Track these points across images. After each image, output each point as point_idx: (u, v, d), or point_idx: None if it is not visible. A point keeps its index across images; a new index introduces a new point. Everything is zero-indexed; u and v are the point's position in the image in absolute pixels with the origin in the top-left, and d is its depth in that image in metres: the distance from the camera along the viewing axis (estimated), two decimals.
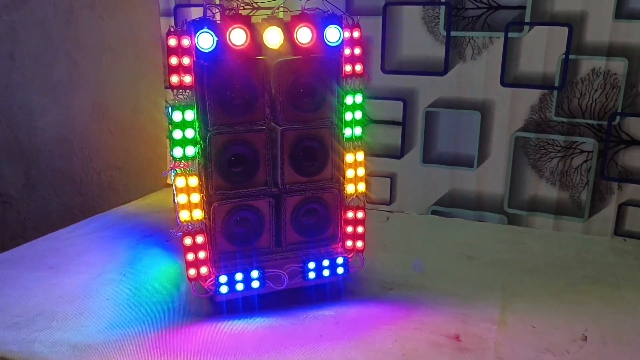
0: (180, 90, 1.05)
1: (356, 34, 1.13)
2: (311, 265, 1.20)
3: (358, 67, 1.15)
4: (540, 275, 1.38)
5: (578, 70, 1.58)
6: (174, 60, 1.03)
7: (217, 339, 1.08)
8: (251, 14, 1.08)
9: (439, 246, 1.56)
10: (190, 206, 1.10)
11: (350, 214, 1.21)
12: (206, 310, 1.19)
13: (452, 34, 1.68)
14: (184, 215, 1.10)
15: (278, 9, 1.08)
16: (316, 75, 1.12)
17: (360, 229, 1.22)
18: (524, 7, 1.60)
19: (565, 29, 1.57)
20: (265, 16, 1.07)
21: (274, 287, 1.18)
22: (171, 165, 1.09)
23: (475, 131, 1.72)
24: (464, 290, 1.30)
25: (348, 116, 1.16)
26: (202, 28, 1.02)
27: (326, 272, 1.22)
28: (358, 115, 1.17)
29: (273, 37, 1.07)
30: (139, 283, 1.31)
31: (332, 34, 1.10)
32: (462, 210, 1.79)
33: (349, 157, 1.18)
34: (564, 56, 1.59)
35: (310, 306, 1.21)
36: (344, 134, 1.17)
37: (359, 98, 1.16)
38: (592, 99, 1.59)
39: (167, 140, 2.04)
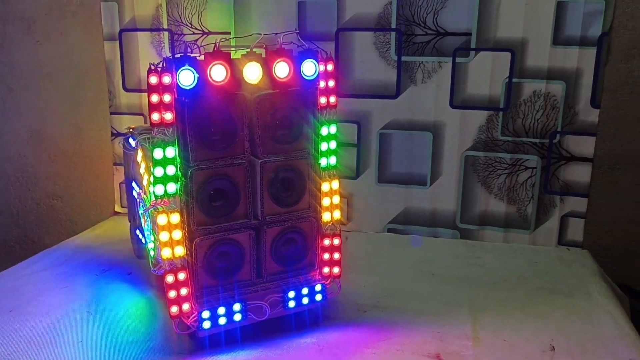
0: (161, 128, 1.03)
1: (330, 67, 1.16)
2: (291, 294, 1.22)
3: (332, 99, 1.18)
4: (500, 289, 1.45)
5: (521, 92, 1.69)
6: (154, 98, 1.02)
7: None
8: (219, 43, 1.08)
9: (401, 264, 1.61)
10: (172, 243, 1.08)
11: (327, 241, 1.23)
12: (188, 347, 1.17)
13: (403, 58, 1.75)
14: (166, 253, 1.08)
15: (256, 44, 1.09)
16: (293, 108, 1.14)
17: (336, 255, 1.25)
18: (469, 34, 1.69)
19: (508, 54, 1.68)
20: (245, 52, 1.08)
21: (255, 318, 1.18)
22: (152, 203, 1.07)
23: (427, 151, 1.80)
24: (434, 308, 1.35)
25: (323, 146, 1.19)
26: (183, 65, 1.01)
27: (305, 300, 1.24)
28: (333, 145, 1.20)
29: (252, 73, 1.08)
30: (110, 322, 1.28)
31: (309, 68, 1.13)
32: (416, 227, 1.85)
33: (324, 186, 1.21)
34: (507, 79, 1.69)
35: (291, 335, 1.22)
36: (319, 163, 1.19)
37: (333, 129, 1.19)
38: (535, 119, 1.70)
39: (115, 168, 1.99)
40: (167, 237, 1.08)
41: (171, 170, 1.06)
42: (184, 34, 1.88)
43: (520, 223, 1.77)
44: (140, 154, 1.34)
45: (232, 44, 1.29)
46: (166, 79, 1.01)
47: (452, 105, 1.75)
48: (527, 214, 1.76)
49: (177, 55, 1.01)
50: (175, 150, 1.05)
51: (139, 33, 1.92)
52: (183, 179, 1.07)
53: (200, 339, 1.15)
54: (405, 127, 1.80)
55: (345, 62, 1.78)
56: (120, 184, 2.04)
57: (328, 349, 1.17)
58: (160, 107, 1.02)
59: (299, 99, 1.14)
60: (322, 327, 1.25)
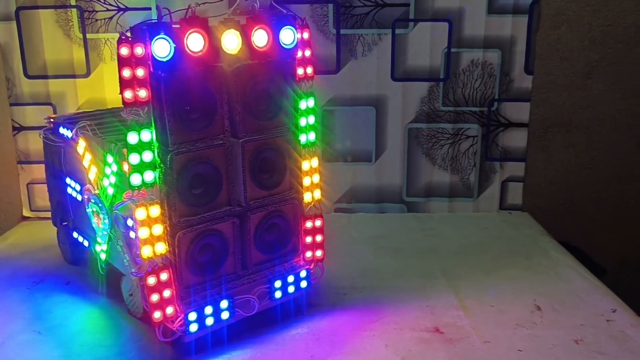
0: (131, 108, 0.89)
1: (306, 35, 1.07)
2: (277, 283, 1.13)
3: (309, 70, 1.09)
4: (466, 257, 1.46)
5: (460, 62, 1.71)
6: (126, 73, 0.87)
7: None
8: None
9: (361, 243, 1.57)
10: (152, 240, 0.95)
11: (309, 224, 1.16)
12: (171, 354, 1.04)
13: (342, 32, 1.69)
14: (146, 252, 0.94)
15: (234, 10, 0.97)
16: (273, 80, 1.04)
17: (319, 238, 1.18)
18: (408, 5, 1.67)
19: (446, 25, 1.68)
20: (223, 18, 0.96)
21: (243, 314, 1.08)
22: (127, 195, 0.93)
23: (371, 126, 1.76)
24: (411, 282, 1.33)
25: (302, 122, 1.10)
26: (158, 33, 0.88)
27: (291, 289, 1.15)
28: (311, 120, 1.11)
29: (231, 42, 0.97)
30: (66, 339, 1.11)
31: (287, 36, 1.03)
32: (363, 205, 1.82)
33: (304, 165, 1.12)
34: (446, 50, 1.69)
35: (280, 327, 1.14)
36: (299, 140, 1.11)
37: (311, 102, 1.11)
38: (473, 88, 1.72)
39: (20, 168, 1.75)
40: (147, 234, 0.94)
41: (148, 156, 0.92)
42: (97, 11, 1.67)
43: (464, 191, 1.80)
44: (82, 144, 1.17)
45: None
46: (139, 50, 0.87)
47: (394, 78, 1.72)
48: (470, 182, 1.79)
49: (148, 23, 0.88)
50: (152, 132, 0.92)
51: (40, 11, 1.68)
52: (162, 165, 0.93)
53: (185, 345, 1.03)
54: (348, 102, 1.75)
55: None
56: (28, 184, 1.80)
57: (324, 336, 1.10)
58: (133, 83, 0.88)
59: (277, 70, 1.04)
60: (308, 315, 1.18)
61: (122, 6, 1.67)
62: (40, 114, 1.75)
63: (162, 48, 0.89)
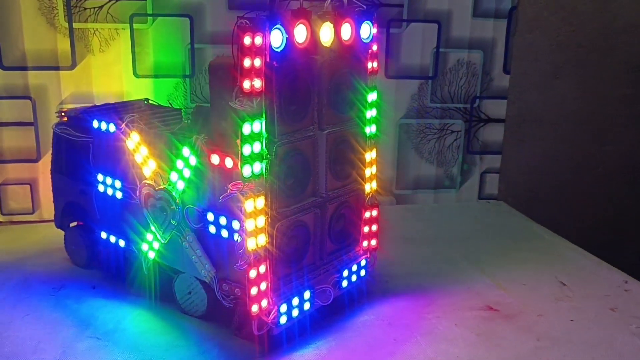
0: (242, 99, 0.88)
1: (374, 30, 1.11)
2: (345, 273, 1.15)
3: (375, 64, 1.13)
4: (474, 243, 1.57)
5: (447, 61, 1.82)
6: (247, 62, 0.86)
7: None
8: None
9: None
10: (256, 232, 0.94)
11: (367, 214, 1.19)
12: (255, 348, 1.03)
13: None
14: (251, 244, 0.93)
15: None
16: (352, 73, 1.07)
17: (374, 227, 1.22)
18: (402, 6, 1.75)
19: (436, 25, 1.78)
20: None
21: (321, 303, 1.10)
22: (234, 187, 0.91)
23: None
24: (440, 268, 1.40)
25: (368, 114, 1.14)
26: (276, 23, 0.88)
27: (354, 277, 1.18)
28: (374, 112, 1.15)
29: (326, 34, 0.98)
30: (131, 343, 1.05)
31: (365, 30, 1.06)
32: None
33: (367, 156, 1.16)
34: (435, 49, 1.80)
35: (347, 315, 1.16)
36: (365, 132, 1.14)
37: (374, 95, 1.15)
38: (458, 86, 1.84)
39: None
40: (253, 225, 0.93)
41: (257, 147, 0.91)
42: None
43: (448, 183, 1.92)
44: (135, 137, 1.11)
45: None
46: (258, 40, 0.86)
47: (387, 75, 1.79)
48: (454, 174, 1.91)
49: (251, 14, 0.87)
50: (262, 123, 0.91)
51: None
52: (268, 156, 0.93)
53: (276, 337, 1.03)
54: None
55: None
56: (0, 185, 1.65)
57: (395, 321, 1.14)
58: (251, 72, 0.87)
59: (355, 64, 1.07)
60: (367, 302, 1.21)
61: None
62: (17, 108, 1.62)
63: (276, 38, 0.89)
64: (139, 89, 1.65)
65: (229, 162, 0.95)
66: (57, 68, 1.60)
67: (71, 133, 1.26)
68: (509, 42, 1.83)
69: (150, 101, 1.45)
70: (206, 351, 1.03)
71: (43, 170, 1.64)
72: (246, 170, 0.90)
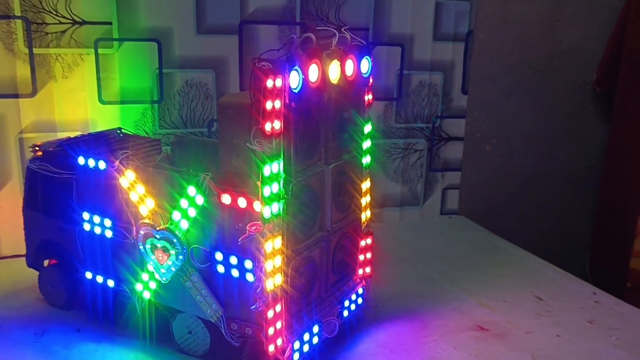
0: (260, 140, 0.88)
1: (371, 65, 1.13)
2: (346, 302, 1.17)
3: (370, 97, 1.16)
4: (447, 259, 1.63)
5: (410, 83, 1.87)
6: (269, 105, 0.86)
7: None
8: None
9: None
10: (274, 272, 0.93)
11: (363, 242, 1.21)
12: None
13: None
14: (270, 285, 0.93)
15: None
16: (354, 107, 1.09)
17: (369, 255, 1.24)
18: (367, 29, 1.79)
19: (399, 49, 1.84)
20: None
21: (327, 335, 1.11)
22: (253, 228, 0.90)
23: None
24: (420, 288, 1.44)
25: (364, 145, 1.16)
26: (295, 65, 0.88)
27: (352, 306, 1.20)
28: (369, 143, 1.18)
29: (334, 71, 0.99)
30: None
31: (365, 65, 1.09)
32: None
33: (363, 186, 1.18)
34: (399, 71, 1.85)
35: (348, 343, 1.17)
36: (362, 163, 1.16)
37: (369, 127, 1.17)
38: (421, 106, 1.91)
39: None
40: (272, 266, 0.92)
41: (275, 188, 0.91)
42: (47, 23, 1.51)
43: (412, 200, 1.97)
44: (130, 175, 1.08)
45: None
46: (279, 82, 0.86)
47: None
48: (417, 192, 1.97)
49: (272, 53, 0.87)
50: (279, 164, 0.91)
51: None
52: (285, 196, 0.93)
53: None
54: None
55: (249, 57, 1.69)
56: None
57: (395, 348, 1.17)
58: (272, 114, 0.87)
59: (355, 98, 1.09)
60: (364, 329, 1.23)
61: (77, 19, 1.52)
62: None
63: (295, 79, 0.89)
64: (105, 116, 1.59)
65: (242, 202, 0.94)
66: (16, 95, 1.52)
67: (49, 169, 1.20)
68: (467, 64, 1.91)
69: (123, 130, 1.41)
70: None
71: (2, 203, 1.55)
72: (266, 212, 0.89)
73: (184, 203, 1.02)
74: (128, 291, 1.15)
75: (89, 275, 1.21)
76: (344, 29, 1.03)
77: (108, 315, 1.21)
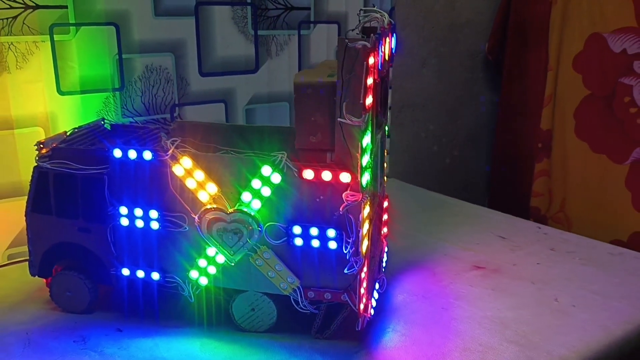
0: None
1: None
2: (385, 258, 1.29)
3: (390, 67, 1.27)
4: (408, 217, 1.80)
5: None
6: (370, 80, 0.94)
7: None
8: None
9: None
10: (365, 237, 1.02)
11: (385, 203, 1.34)
12: (361, 342, 1.12)
13: (259, 32, 1.79)
14: (364, 247, 1.02)
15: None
16: (386, 79, 1.20)
17: (385, 217, 1.37)
18: (309, 8, 1.88)
19: (336, 26, 1.95)
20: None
21: (379, 291, 1.22)
22: (350, 198, 0.98)
23: (286, 120, 1.91)
24: (403, 242, 1.58)
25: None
26: (381, 43, 0.97)
27: (384, 262, 1.32)
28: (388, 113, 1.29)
29: (387, 48, 1.09)
30: None
31: (393, 42, 1.20)
32: None
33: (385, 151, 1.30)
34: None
35: (388, 296, 1.29)
36: (387, 131, 1.28)
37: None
38: None
39: None
40: (365, 231, 1.01)
41: (366, 158, 0.99)
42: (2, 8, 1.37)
43: None
44: (187, 162, 1.07)
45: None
46: (372, 60, 0.95)
47: None
48: None
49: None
50: (370, 135, 0.99)
51: None
52: (372, 165, 1.02)
53: (368, 329, 1.12)
54: (265, 100, 1.85)
55: (207, 39, 1.69)
56: None
57: (426, 295, 1.31)
58: (369, 90, 0.95)
59: (388, 71, 1.20)
60: (390, 281, 1.35)
61: (30, 3, 1.40)
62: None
63: (381, 57, 0.97)
64: (65, 108, 1.49)
65: (327, 175, 1.01)
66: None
67: (70, 167, 1.13)
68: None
69: (106, 121, 1.36)
70: (310, 357, 1.07)
71: None
72: (364, 180, 0.97)
73: (256, 183, 1.04)
74: (179, 280, 1.14)
75: (125, 271, 1.16)
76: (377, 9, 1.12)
77: (151, 309, 1.19)
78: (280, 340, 1.13)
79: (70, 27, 1.46)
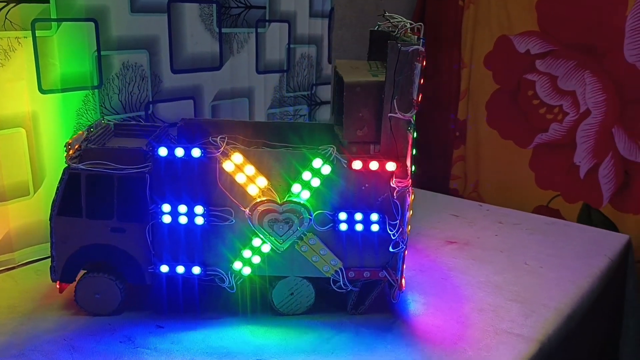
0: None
1: None
2: None
3: None
4: None
5: (295, 55, 2.11)
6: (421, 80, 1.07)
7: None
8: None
9: None
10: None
11: None
12: (393, 315, 1.25)
13: (223, 30, 1.83)
14: (407, 230, 1.15)
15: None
16: None
17: None
18: (264, 7, 1.95)
19: (287, 25, 2.05)
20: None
21: None
22: (400, 184, 1.11)
23: (245, 116, 1.97)
24: None
25: None
26: (424, 45, 1.10)
27: None
28: None
29: None
30: (295, 351, 1.13)
31: None
32: None
33: None
34: (287, 45, 2.06)
35: None
36: None
37: None
38: (302, 76, 2.16)
39: None
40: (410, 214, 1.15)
41: (412, 150, 1.13)
42: None
43: None
44: (237, 158, 1.13)
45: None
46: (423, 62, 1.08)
47: (258, 71, 1.98)
48: None
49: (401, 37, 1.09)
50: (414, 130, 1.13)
51: None
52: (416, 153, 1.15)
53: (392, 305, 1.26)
54: (228, 96, 1.90)
55: (178, 36, 1.70)
56: None
57: (423, 269, 1.48)
58: (419, 88, 1.08)
59: None
60: None
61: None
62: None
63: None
64: (46, 107, 1.43)
65: (374, 165, 1.13)
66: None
67: (108, 167, 1.12)
68: (330, 37, 2.22)
69: (105, 120, 1.36)
70: (358, 333, 1.18)
71: None
72: (412, 169, 1.11)
73: (306, 175, 1.13)
74: (221, 272, 1.19)
75: (164, 268, 1.18)
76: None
77: (191, 303, 1.22)
78: (321, 319, 1.22)
79: (52, 23, 1.40)
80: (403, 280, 1.20)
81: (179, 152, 1.11)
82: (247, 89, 1.92)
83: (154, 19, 1.61)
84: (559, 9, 2.22)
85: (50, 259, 1.18)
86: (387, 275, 1.19)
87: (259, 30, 1.91)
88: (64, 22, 1.41)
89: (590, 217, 2.23)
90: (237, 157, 1.12)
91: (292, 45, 2.04)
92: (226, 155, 1.11)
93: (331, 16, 2.17)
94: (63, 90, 1.45)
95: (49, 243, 1.17)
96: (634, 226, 2.11)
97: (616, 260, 1.59)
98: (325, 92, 2.23)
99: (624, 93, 2.10)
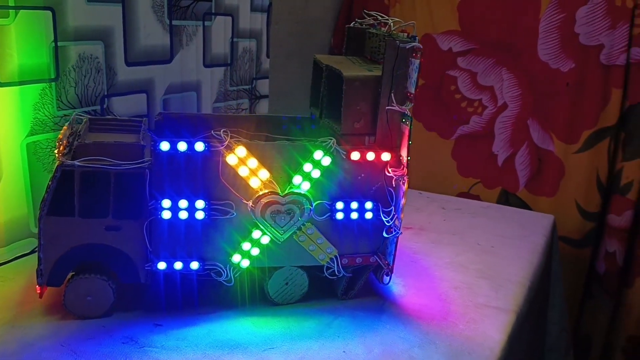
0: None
1: None
2: None
3: None
4: None
5: (238, 50, 2.11)
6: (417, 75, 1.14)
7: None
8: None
9: None
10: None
11: None
12: (380, 297, 1.32)
13: (173, 22, 1.80)
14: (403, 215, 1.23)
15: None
16: None
17: None
18: (211, 0, 1.94)
19: (230, 18, 2.05)
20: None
21: None
22: (397, 172, 1.18)
23: (194, 109, 1.95)
24: None
25: None
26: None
27: None
28: None
29: None
30: (298, 338, 1.17)
31: None
32: None
33: None
34: (231, 39, 2.06)
35: None
36: None
37: None
38: (244, 70, 2.17)
39: None
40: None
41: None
42: None
43: None
44: (241, 151, 1.14)
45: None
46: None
47: (205, 64, 1.96)
48: None
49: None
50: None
51: None
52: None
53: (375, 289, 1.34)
54: (178, 90, 1.87)
55: (131, 28, 1.65)
56: None
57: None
58: (416, 83, 1.16)
59: None
60: None
61: None
62: None
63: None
64: (3, 100, 1.34)
65: (371, 156, 1.19)
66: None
67: (107, 163, 1.09)
68: (268, 31, 2.24)
69: (78, 114, 1.31)
70: (355, 316, 1.24)
71: None
72: (406, 158, 1.18)
73: (307, 167, 1.17)
74: (220, 266, 1.19)
75: (162, 265, 1.17)
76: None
77: (189, 299, 1.21)
78: (316, 306, 1.26)
79: (10, 11, 1.30)
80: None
81: (182, 146, 1.10)
82: (196, 82, 1.90)
83: (109, 9, 1.54)
84: (479, 10, 2.41)
85: (37, 261, 1.12)
86: (377, 259, 1.25)
87: (206, 23, 1.89)
88: (21, 10, 1.32)
89: (508, 201, 2.45)
90: (241, 150, 1.12)
91: (235, 39, 2.04)
92: (230, 148, 1.12)
93: (269, 11, 2.19)
94: (21, 83, 1.35)
95: (37, 245, 1.10)
96: (547, 208, 2.35)
97: (549, 237, 1.78)
98: (264, 86, 2.25)
99: (538, 88, 2.33)
